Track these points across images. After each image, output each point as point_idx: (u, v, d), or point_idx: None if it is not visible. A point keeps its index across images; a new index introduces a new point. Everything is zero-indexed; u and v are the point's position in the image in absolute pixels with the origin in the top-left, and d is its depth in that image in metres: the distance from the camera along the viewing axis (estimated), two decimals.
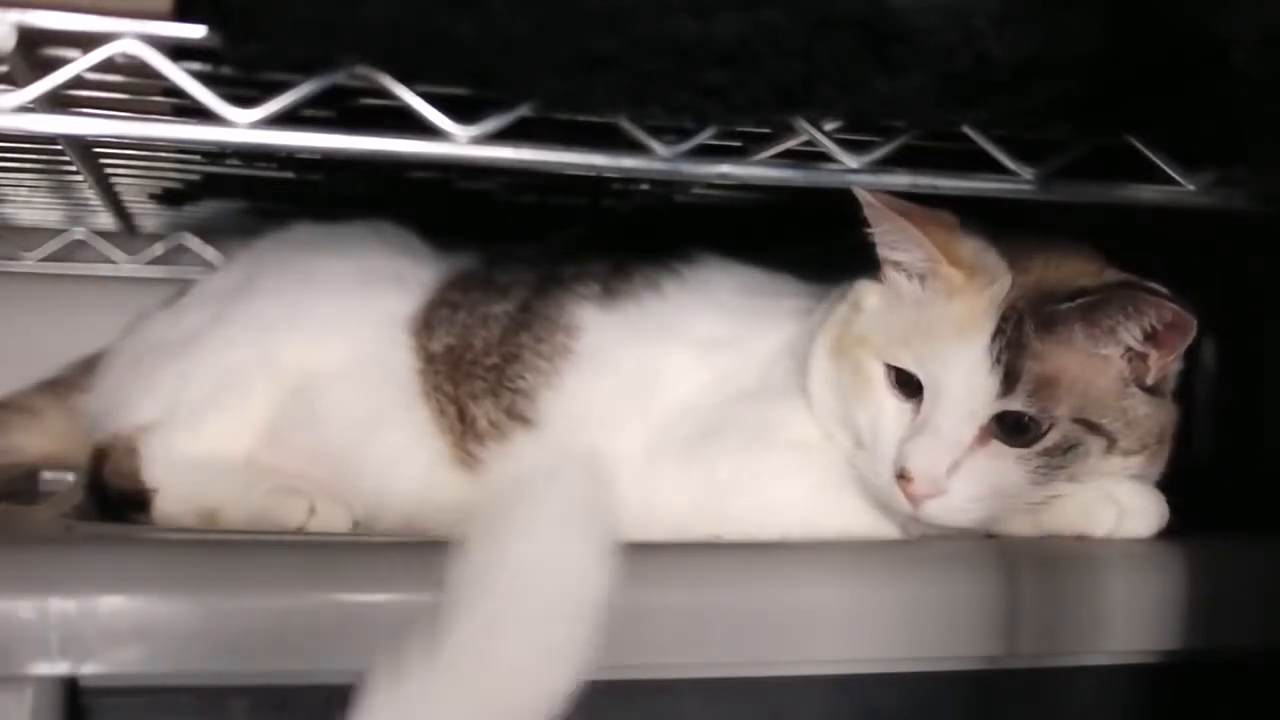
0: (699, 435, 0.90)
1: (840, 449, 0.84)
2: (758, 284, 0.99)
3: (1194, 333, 0.77)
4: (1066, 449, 0.77)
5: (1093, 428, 0.78)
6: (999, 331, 0.77)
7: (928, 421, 0.77)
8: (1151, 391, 0.80)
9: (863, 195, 0.78)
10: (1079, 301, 0.76)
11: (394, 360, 1.00)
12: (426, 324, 1.01)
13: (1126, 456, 0.79)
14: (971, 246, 0.80)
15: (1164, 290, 0.76)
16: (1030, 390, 0.76)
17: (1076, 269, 0.80)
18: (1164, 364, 0.80)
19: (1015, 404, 0.76)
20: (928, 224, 0.79)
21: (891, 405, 0.80)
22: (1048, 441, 0.77)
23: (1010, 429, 0.77)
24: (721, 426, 0.90)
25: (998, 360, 0.76)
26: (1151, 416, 0.80)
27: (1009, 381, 0.76)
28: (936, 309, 0.79)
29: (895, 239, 0.80)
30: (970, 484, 0.77)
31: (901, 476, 0.77)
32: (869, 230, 0.82)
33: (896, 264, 0.82)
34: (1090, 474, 0.79)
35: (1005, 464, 0.77)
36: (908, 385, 0.79)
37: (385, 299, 1.02)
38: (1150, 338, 0.78)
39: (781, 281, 0.98)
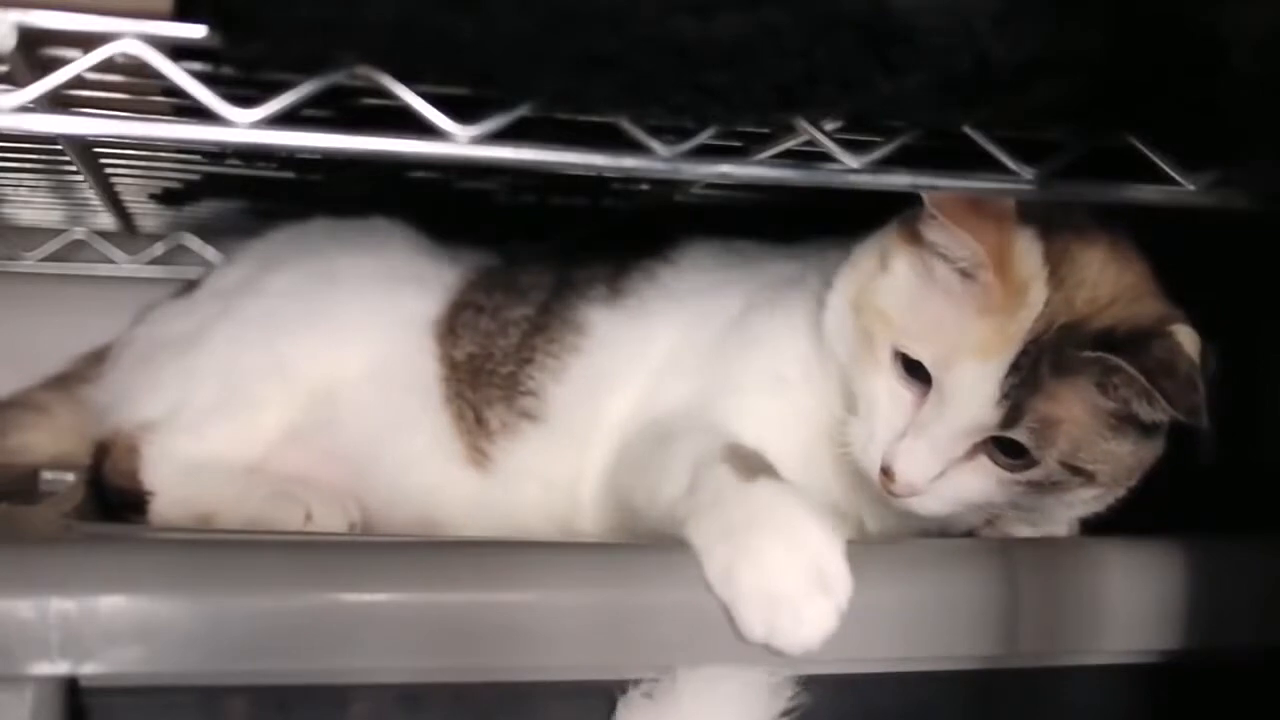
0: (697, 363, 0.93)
1: (824, 405, 0.84)
2: (740, 254, 1.01)
3: (1202, 399, 0.73)
4: (1050, 483, 0.78)
5: (1077, 470, 0.77)
6: (1016, 366, 0.75)
7: (925, 427, 0.78)
8: (1148, 429, 0.78)
9: (929, 211, 0.77)
10: (1098, 356, 0.74)
11: (418, 365, 1.01)
12: (451, 329, 1.01)
13: (1101, 489, 0.80)
14: (1021, 251, 0.77)
15: (1186, 370, 0.73)
16: (1032, 428, 0.76)
17: (1120, 286, 0.78)
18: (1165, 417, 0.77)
19: (1015, 435, 0.76)
20: (985, 229, 0.76)
21: (894, 389, 0.80)
22: (1033, 475, 0.78)
23: (1003, 449, 0.78)
24: (714, 349, 0.92)
25: (1006, 395, 0.76)
26: (1136, 454, 0.79)
27: (1013, 415, 0.76)
28: (966, 318, 0.77)
29: (949, 238, 0.77)
30: (950, 491, 0.78)
31: (885, 472, 0.78)
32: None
33: (941, 252, 0.79)
34: (1062, 502, 0.80)
35: (988, 482, 0.78)
36: (915, 373, 0.79)
37: (409, 300, 1.02)
38: (1156, 405, 0.75)
39: (763, 250, 1.00)
